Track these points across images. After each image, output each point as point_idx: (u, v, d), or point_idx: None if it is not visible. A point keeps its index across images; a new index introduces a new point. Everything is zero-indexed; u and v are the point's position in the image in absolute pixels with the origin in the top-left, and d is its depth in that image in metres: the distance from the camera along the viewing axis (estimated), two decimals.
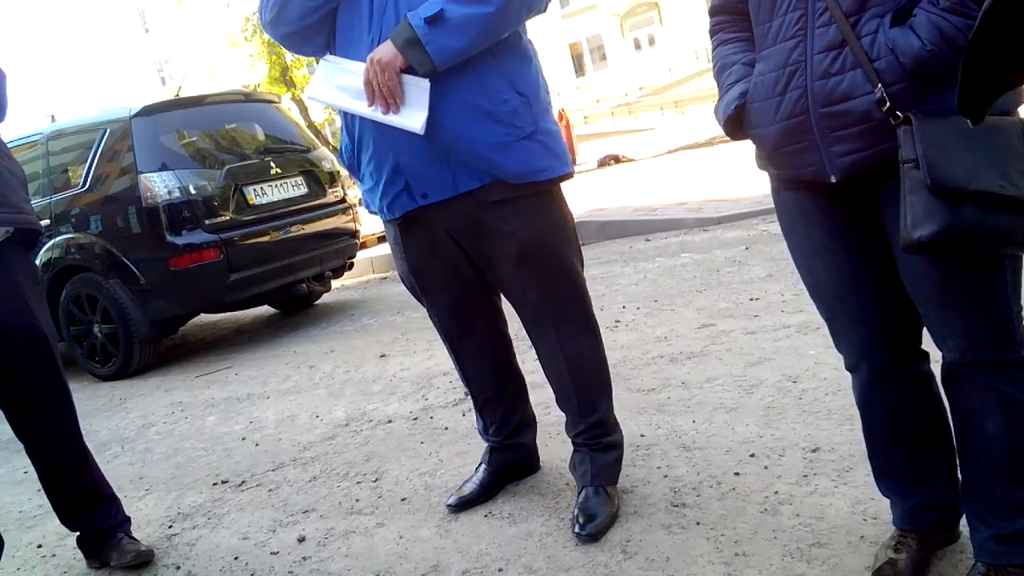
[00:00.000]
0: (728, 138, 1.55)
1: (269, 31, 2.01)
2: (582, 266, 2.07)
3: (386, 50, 1.79)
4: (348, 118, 1.98)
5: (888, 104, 1.25)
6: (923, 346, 1.53)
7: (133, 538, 2.36)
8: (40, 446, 2.22)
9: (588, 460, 2.06)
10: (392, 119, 1.84)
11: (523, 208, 1.93)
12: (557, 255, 1.99)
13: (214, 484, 2.82)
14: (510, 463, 2.28)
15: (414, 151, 1.88)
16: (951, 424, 1.52)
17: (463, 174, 1.89)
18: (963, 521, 1.54)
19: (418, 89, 1.81)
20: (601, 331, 2.11)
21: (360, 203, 6.73)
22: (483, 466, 2.27)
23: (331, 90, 1.92)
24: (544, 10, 1.93)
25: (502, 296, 2.15)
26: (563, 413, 2.15)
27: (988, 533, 1.42)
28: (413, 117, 1.82)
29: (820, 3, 1.31)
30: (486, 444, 2.29)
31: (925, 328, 1.44)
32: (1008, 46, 1.04)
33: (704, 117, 18.98)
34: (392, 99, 1.81)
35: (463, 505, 2.21)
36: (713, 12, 1.59)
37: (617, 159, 13.04)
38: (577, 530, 1.94)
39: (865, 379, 1.53)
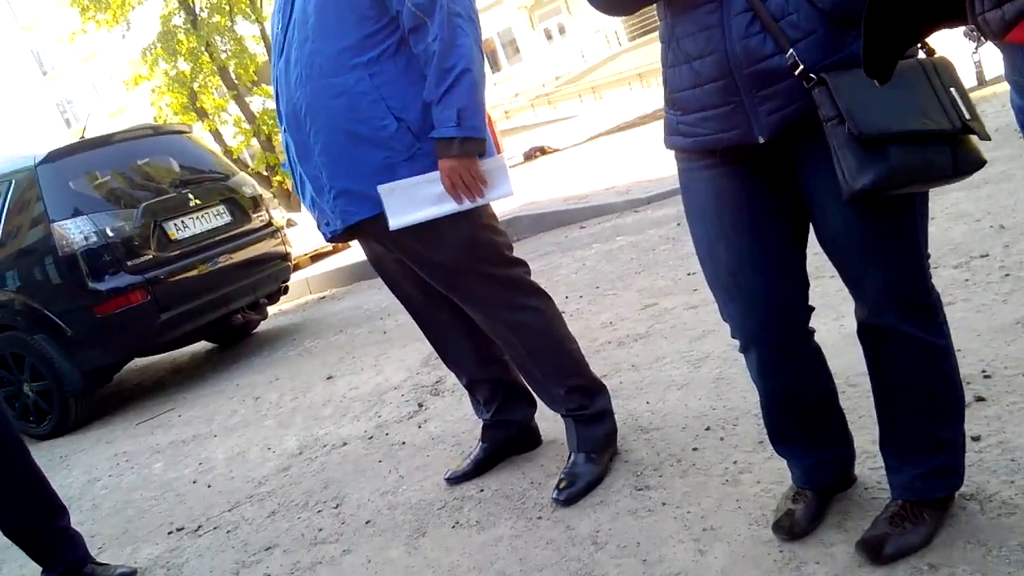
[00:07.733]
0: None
1: None
2: (509, 250, 2.12)
3: (454, 163, 1.88)
4: (288, 152, 2.10)
5: (801, 67, 1.25)
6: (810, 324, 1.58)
7: (101, 563, 2.43)
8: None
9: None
10: (484, 200, 1.98)
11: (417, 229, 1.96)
12: (467, 268, 2.04)
13: (169, 533, 2.71)
14: (503, 440, 2.35)
15: (314, 186, 2.02)
16: (836, 390, 1.62)
17: (350, 204, 1.97)
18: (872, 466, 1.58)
19: (496, 167, 1.97)
20: None
21: (288, 224, 6.56)
22: (479, 443, 2.36)
23: (413, 210, 1.93)
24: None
25: None
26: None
27: (913, 472, 1.49)
28: (503, 188, 1.98)
29: None
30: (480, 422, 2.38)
31: (844, 284, 1.48)
32: (907, 4, 1.06)
33: (621, 100, 19.21)
34: (479, 189, 1.94)
35: (456, 479, 2.32)
36: None
37: (543, 151, 13.10)
38: (555, 495, 2.06)
39: (758, 360, 1.57)
